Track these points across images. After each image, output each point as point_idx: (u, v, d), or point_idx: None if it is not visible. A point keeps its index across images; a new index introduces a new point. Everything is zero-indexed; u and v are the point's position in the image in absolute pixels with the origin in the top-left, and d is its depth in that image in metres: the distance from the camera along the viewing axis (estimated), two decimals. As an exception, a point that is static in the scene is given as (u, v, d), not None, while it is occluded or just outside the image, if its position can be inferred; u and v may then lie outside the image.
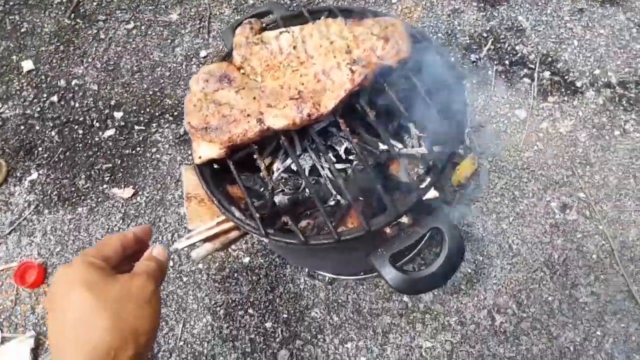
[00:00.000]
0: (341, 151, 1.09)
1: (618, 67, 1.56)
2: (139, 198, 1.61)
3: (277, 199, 1.03)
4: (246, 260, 1.48)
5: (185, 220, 1.55)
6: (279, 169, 1.11)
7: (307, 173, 1.05)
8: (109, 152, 1.70)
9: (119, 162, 1.67)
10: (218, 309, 1.43)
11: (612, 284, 1.29)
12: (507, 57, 1.64)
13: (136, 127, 1.73)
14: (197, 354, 1.39)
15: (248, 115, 0.92)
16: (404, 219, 0.86)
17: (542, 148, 1.48)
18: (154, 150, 1.68)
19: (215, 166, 1.01)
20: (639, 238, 1.32)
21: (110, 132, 1.73)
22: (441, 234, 0.83)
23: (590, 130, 1.48)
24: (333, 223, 0.90)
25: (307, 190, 1.05)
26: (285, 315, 1.40)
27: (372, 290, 1.38)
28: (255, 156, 0.94)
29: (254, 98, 0.94)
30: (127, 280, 0.71)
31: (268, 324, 1.39)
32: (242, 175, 1.07)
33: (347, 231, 0.87)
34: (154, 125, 1.72)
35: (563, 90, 1.56)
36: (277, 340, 1.37)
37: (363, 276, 1.38)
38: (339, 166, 1.10)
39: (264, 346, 1.37)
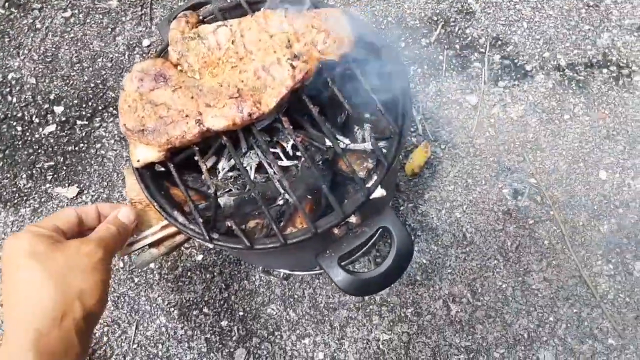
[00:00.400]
0: (288, 147, 1.06)
1: (567, 49, 1.56)
2: (84, 197, 1.54)
3: (223, 200, 0.99)
4: (199, 257, 1.44)
5: (133, 219, 1.49)
6: (224, 168, 1.06)
7: (253, 171, 1.01)
8: (50, 149, 1.61)
9: (61, 160, 1.59)
10: (172, 309, 1.39)
11: (563, 269, 1.30)
12: (457, 41, 1.62)
13: (78, 122, 1.64)
14: (151, 356, 1.35)
15: (186, 115, 0.87)
16: (352, 219, 0.84)
17: (493, 134, 1.47)
18: (98, 146, 1.60)
19: (158, 167, 0.96)
20: (589, 223, 1.34)
21: (51, 128, 1.64)
22: (389, 234, 0.81)
23: (540, 115, 1.48)
24: (281, 224, 0.87)
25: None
26: (241, 313, 1.37)
27: (329, 284, 1.36)
28: (196, 158, 0.90)
29: (192, 97, 0.89)
30: (76, 247, 0.73)
31: (224, 323, 1.36)
32: (189, 176, 1.03)
33: (293, 234, 0.84)
34: (97, 119, 1.64)
35: (513, 74, 1.55)
36: (234, 339, 1.34)
37: (319, 271, 1.36)
38: (287, 163, 1.06)
39: (221, 345, 1.34)
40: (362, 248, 1.35)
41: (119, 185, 1.54)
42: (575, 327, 1.25)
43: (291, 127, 0.91)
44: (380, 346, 1.29)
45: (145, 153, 0.88)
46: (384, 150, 0.89)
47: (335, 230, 0.87)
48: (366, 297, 1.33)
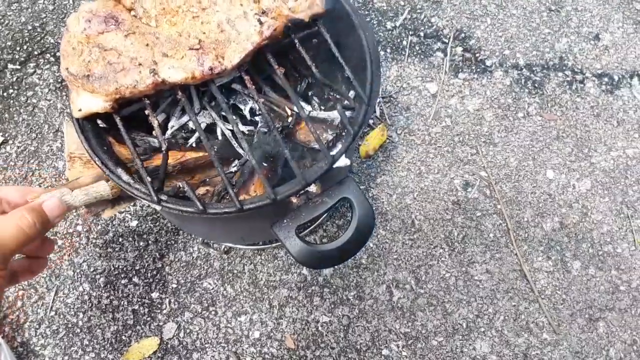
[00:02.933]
0: (245, 111, 0.99)
1: (526, 50, 1.58)
2: (9, 147, 1.40)
3: (170, 161, 0.92)
4: (134, 223, 1.34)
5: (63, 176, 1.37)
6: (173, 127, 0.98)
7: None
8: (-26, 92, 1.46)
9: (-14, 105, 1.44)
10: (98, 276, 1.29)
11: (505, 263, 1.31)
12: (422, 28, 1.60)
13: (10, 66, 1.49)
14: (70, 325, 1.24)
15: (139, 64, 0.79)
16: (312, 188, 0.79)
17: (450, 124, 1.46)
18: (30, 94, 1.46)
19: (99, 122, 0.87)
20: (534, 219, 1.36)
21: (-24, 68, 1.48)
22: (351, 205, 0.77)
23: (496, 110, 1.49)
24: (235, 190, 0.80)
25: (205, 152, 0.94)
26: (174, 285, 1.28)
27: (271, 261, 1.30)
28: (147, 112, 0.81)
29: (147, 45, 0.80)
30: None
31: (154, 295, 1.28)
32: (134, 134, 0.94)
33: (251, 199, 0.78)
34: (31, 65, 1.50)
35: (473, 67, 1.55)
36: (164, 312, 1.26)
37: (262, 246, 1.30)
38: (243, 128, 1.00)
39: (149, 318, 1.25)
40: (319, 219, 1.31)
41: (49, 138, 1.41)
42: (512, 320, 1.26)
43: (254, 87, 0.85)
44: (319, 328, 1.25)
45: (89, 102, 0.79)
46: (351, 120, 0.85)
47: (294, 199, 0.81)
48: (308, 278, 1.29)
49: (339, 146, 0.81)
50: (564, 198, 1.38)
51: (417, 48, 1.57)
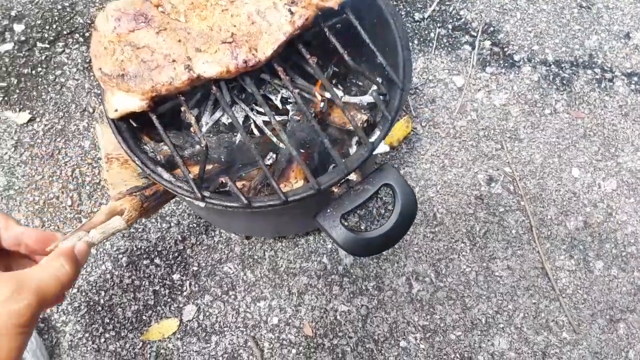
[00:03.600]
0: (277, 101, 0.99)
1: (556, 46, 1.56)
2: (36, 125, 1.42)
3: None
4: (156, 206, 1.35)
5: (89, 156, 1.38)
6: (207, 123, 0.98)
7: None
8: (4, 69, 1.47)
9: (15, 82, 1.45)
10: (120, 256, 1.30)
11: (527, 260, 1.30)
12: (450, 20, 1.59)
13: (39, 45, 1.50)
14: (92, 303, 1.26)
15: (173, 60, 0.78)
16: (352, 176, 0.79)
17: (475, 118, 1.45)
18: (58, 73, 1.47)
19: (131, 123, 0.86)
20: (557, 217, 1.35)
21: (7, 46, 1.49)
22: (393, 191, 0.76)
23: (522, 106, 1.47)
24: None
25: (241, 147, 0.93)
26: (195, 268, 1.29)
27: (292, 248, 1.31)
28: (183, 108, 0.80)
29: (179, 41, 0.80)
30: (4, 298, 0.50)
31: (175, 276, 1.29)
32: (168, 132, 0.94)
33: (294, 191, 0.77)
34: (60, 44, 1.51)
35: (501, 62, 1.53)
36: (185, 294, 1.27)
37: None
38: (277, 118, 0.99)
39: (169, 299, 1.27)
40: (362, 207, 1.30)
41: (76, 117, 1.42)
42: (532, 317, 1.25)
43: (288, 77, 0.84)
44: (338, 317, 1.25)
45: (125, 101, 0.78)
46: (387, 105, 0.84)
47: (335, 189, 0.81)
48: (328, 267, 1.29)
49: (377, 132, 0.80)
50: (588, 197, 1.37)
51: (445, 40, 1.56)
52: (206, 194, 0.77)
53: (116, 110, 0.78)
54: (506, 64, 1.53)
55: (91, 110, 1.43)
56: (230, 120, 0.97)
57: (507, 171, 1.39)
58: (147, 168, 0.80)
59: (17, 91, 1.44)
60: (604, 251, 1.31)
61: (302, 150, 0.91)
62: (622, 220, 1.35)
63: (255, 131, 0.97)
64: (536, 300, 1.26)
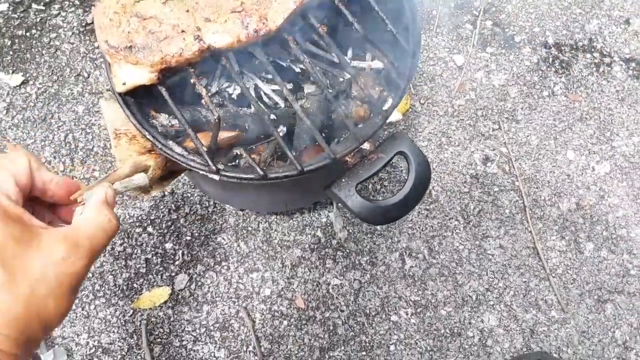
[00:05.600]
0: (289, 66, 0.98)
1: (556, 28, 1.55)
2: (29, 88, 1.39)
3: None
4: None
5: (82, 122, 1.36)
6: (214, 94, 0.96)
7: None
8: (-5, 30, 1.44)
9: (8, 43, 1.42)
10: (113, 223, 1.29)
11: (519, 239, 1.31)
12: (453, -1, 1.58)
13: (34, 6, 1.47)
14: (83, 269, 1.25)
15: (182, 31, 0.76)
16: (366, 145, 0.78)
17: (473, 98, 1.45)
18: (53, 35, 1.44)
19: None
20: (551, 198, 1.36)
21: (2, 7, 1.46)
22: (407, 159, 0.76)
23: (521, 87, 1.47)
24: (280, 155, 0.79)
25: (250, 119, 0.92)
26: (188, 238, 1.29)
27: (286, 221, 1.31)
28: (192, 80, 0.78)
29: (187, 11, 0.78)
30: (56, 249, 0.47)
31: (168, 245, 1.28)
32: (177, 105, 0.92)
33: (309, 162, 0.76)
34: (55, 7, 1.47)
35: (502, 42, 1.53)
36: (177, 263, 1.27)
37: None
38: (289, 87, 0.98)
39: (161, 268, 1.26)
40: (377, 175, 1.28)
41: (70, 82, 1.40)
42: (522, 295, 1.27)
43: (299, 46, 0.83)
44: (330, 290, 1.25)
45: (133, 74, 0.75)
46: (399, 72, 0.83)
47: (348, 158, 0.80)
48: (322, 240, 1.29)
49: (390, 101, 0.79)
50: (582, 180, 1.38)
51: (447, 19, 1.55)
52: (220, 166, 0.76)
53: (124, 84, 0.76)
54: (507, 45, 1.53)
55: (86, 75, 1.41)
56: (235, 93, 0.96)
57: (504, 151, 1.40)
58: (158, 142, 0.78)
59: (11, 53, 1.41)
60: (594, 233, 1.33)
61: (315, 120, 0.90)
62: (614, 204, 1.36)
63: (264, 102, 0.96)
64: (526, 279, 1.28)
